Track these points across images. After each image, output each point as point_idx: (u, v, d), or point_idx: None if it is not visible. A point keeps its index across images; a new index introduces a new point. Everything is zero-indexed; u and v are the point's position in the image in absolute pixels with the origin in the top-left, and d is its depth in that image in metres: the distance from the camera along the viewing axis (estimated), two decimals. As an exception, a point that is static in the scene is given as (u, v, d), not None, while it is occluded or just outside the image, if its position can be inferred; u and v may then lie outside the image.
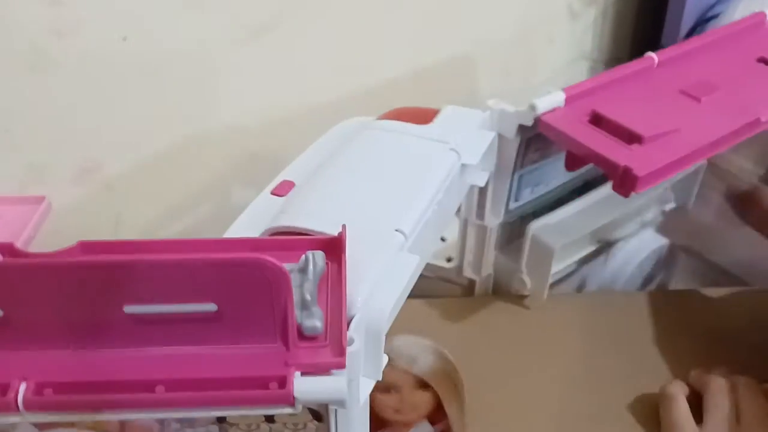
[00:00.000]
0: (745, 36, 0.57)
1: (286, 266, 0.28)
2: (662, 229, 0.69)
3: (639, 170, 0.41)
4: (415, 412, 0.48)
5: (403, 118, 0.46)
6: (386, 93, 0.70)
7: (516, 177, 0.52)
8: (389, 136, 0.45)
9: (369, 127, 0.46)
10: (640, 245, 0.67)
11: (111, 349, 0.28)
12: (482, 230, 0.54)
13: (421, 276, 0.45)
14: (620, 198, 0.54)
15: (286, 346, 0.29)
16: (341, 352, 0.29)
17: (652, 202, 0.62)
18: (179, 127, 0.60)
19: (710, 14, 0.90)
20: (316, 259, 0.33)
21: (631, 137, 0.44)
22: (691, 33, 0.89)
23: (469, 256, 0.56)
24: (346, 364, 0.29)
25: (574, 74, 0.97)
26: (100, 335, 0.28)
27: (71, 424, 0.31)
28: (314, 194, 0.40)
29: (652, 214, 0.63)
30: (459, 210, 0.54)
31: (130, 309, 0.27)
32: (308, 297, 0.30)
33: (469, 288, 0.58)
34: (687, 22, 0.86)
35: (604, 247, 0.62)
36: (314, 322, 0.29)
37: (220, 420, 0.32)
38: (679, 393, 0.48)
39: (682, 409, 0.47)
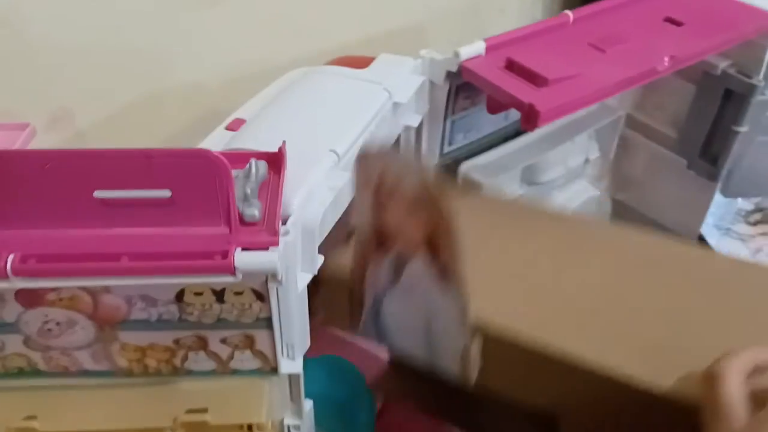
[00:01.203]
0: (657, -2, 0.64)
1: (233, 171, 0.35)
2: (592, 179, 0.76)
3: (541, 107, 0.48)
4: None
5: (343, 63, 0.52)
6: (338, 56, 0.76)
7: (448, 122, 0.59)
8: (330, 78, 0.51)
9: (312, 72, 0.52)
10: (573, 195, 0.74)
11: (84, 229, 0.34)
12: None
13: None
14: (545, 142, 0.61)
15: (229, 228, 0.35)
16: (275, 234, 0.35)
17: (576, 148, 0.69)
18: (143, 83, 0.66)
19: None
20: (259, 166, 0.39)
21: (538, 80, 0.50)
22: None
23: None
24: (281, 248, 0.35)
25: (530, 15, 1.04)
26: (75, 216, 0.34)
27: (52, 303, 0.37)
28: (262, 125, 0.47)
29: (576, 161, 0.70)
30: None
31: (99, 194, 0.33)
32: (249, 191, 0.36)
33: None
34: None
35: (538, 193, 0.68)
36: (253, 210, 0.36)
37: (179, 299, 0.38)
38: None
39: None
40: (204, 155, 0.33)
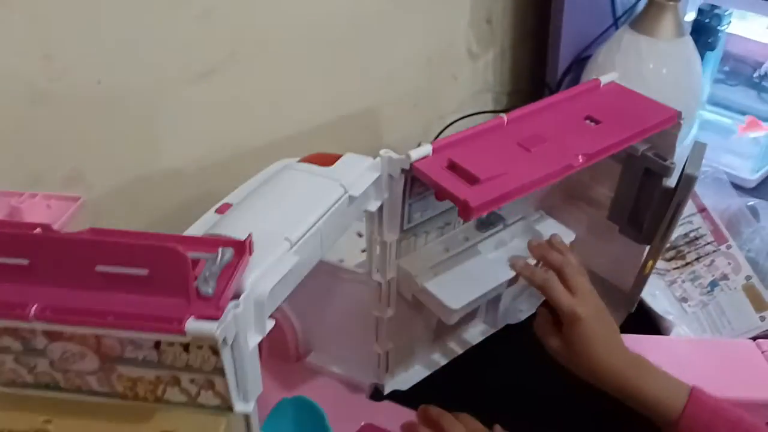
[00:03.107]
0: (580, 98, 0.76)
1: (206, 255, 0.48)
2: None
3: (473, 202, 0.60)
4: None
5: (314, 161, 0.66)
6: (310, 138, 0.89)
7: (407, 205, 0.71)
8: (298, 174, 0.65)
9: (287, 167, 0.66)
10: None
11: (87, 291, 0.48)
12: (384, 244, 0.73)
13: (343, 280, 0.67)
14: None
15: (188, 301, 0.48)
16: (219, 309, 0.48)
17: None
18: (139, 159, 0.81)
19: (585, 54, 1.11)
20: (225, 252, 0.52)
21: (471, 179, 0.63)
22: (569, 69, 1.10)
23: (376, 264, 0.75)
24: (223, 320, 0.48)
25: (479, 103, 1.17)
26: (82, 281, 0.48)
27: (69, 338, 0.51)
28: (239, 213, 0.60)
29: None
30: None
31: (100, 268, 0.47)
32: (208, 274, 0.50)
33: (378, 290, 0.76)
34: (565, 59, 1.07)
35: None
36: (207, 289, 0.49)
37: (156, 347, 0.51)
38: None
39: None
40: (171, 249, 0.46)
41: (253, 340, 0.53)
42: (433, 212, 0.75)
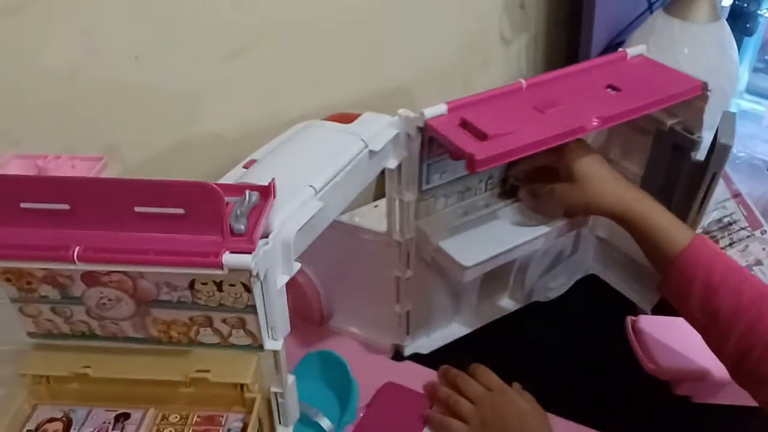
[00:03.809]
0: (604, 67, 0.78)
1: (234, 198, 0.51)
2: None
3: (478, 155, 0.62)
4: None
5: (335, 119, 0.69)
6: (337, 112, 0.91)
7: (425, 165, 0.74)
8: (321, 131, 0.67)
9: (309, 125, 0.69)
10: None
11: (126, 232, 0.51)
12: (403, 204, 0.75)
13: (365, 241, 0.71)
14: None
15: (222, 237, 0.51)
16: (252, 243, 0.51)
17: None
18: (174, 131, 0.83)
19: (618, 40, 1.12)
20: (252, 195, 0.55)
21: (480, 135, 0.65)
22: (607, 48, 1.11)
23: (395, 224, 0.77)
24: (256, 254, 0.51)
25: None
26: (121, 223, 0.51)
27: (106, 284, 0.54)
28: (265, 165, 0.63)
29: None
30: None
31: (138, 209, 0.50)
32: (239, 212, 0.52)
33: (399, 249, 0.79)
34: (597, 45, 1.09)
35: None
36: (240, 226, 0.51)
37: (191, 287, 0.54)
38: None
39: None
40: (208, 187, 0.49)
41: (281, 279, 0.56)
42: (451, 175, 0.77)
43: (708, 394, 0.82)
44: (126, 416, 0.58)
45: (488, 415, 0.71)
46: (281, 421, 0.62)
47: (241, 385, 0.58)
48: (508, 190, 0.83)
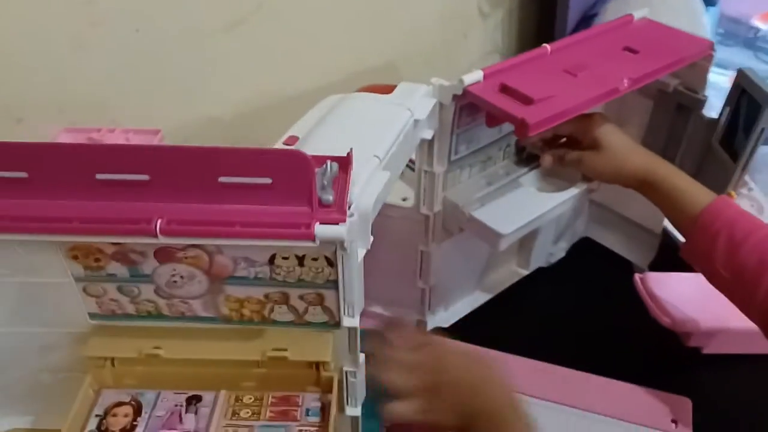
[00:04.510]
0: (616, 31, 0.80)
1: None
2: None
3: (530, 120, 0.63)
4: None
5: (370, 91, 0.67)
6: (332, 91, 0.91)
7: (454, 136, 0.74)
8: (364, 102, 0.66)
9: (348, 97, 0.67)
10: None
11: (210, 204, 0.48)
12: (432, 176, 0.75)
13: (388, 217, 0.67)
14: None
15: (311, 209, 0.49)
16: (344, 213, 0.49)
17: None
18: (167, 116, 0.80)
19: (591, 13, 1.16)
20: (332, 166, 0.53)
21: (525, 100, 0.65)
22: (576, 28, 1.15)
23: (423, 197, 0.77)
24: (347, 224, 0.49)
25: (488, 63, 1.20)
26: (204, 195, 0.48)
27: (180, 260, 0.51)
28: (317, 139, 0.61)
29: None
30: (415, 163, 0.75)
31: (223, 179, 0.48)
32: (326, 183, 0.50)
33: (425, 222, 0.78)
34: (572, 19, 1.12)
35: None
36: (328, 196, 0.50)
37: (271, 262, 0.52)
38: None
39: None
40: (297, 154, 0.47)
41: (361, 252, 0.54)
42: (476, 145, 0.77)
43: (718, 345, 0.86)
44: (197, 398, 0.56)
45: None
46: (349, 401, 0.61)
47: (317, 365, 0.56)
48: (524, 159, 0.84)
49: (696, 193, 0.70)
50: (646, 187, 0.73)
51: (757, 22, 1.30)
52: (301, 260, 0.52)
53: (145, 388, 0.56)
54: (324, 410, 0.55)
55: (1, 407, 0.62)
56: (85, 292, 0.54)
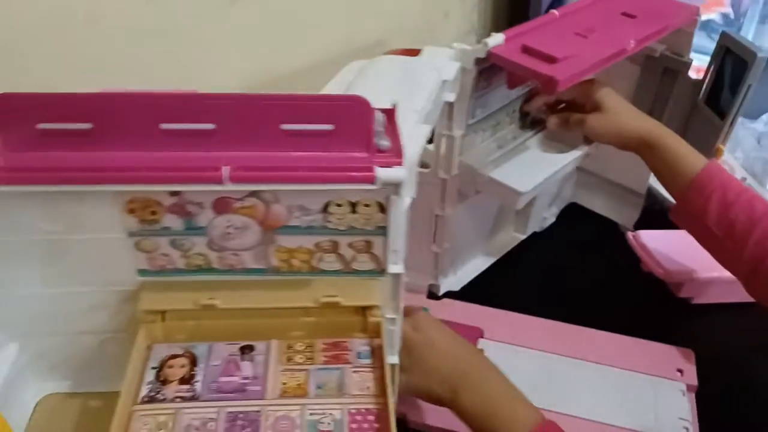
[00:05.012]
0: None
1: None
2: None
3: (559, 76, 0.66)
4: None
5: (398, 53, 0.69)
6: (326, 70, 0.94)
7: (471, 100, 0.76)
8: (395, 63, 0.68)
9: (378, 60, 0.69)
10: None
11: (273, 152, 0.49)
12: (450, 139, 0.77)
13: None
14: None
15: (370, 154, 0.51)
16: (400, 157, 0.51)
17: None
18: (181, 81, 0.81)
19: None
20: (380, 116, 0.55)
21: (549, 59, 0.68)
22: (550, 8, 1.20)
23: (441, 161, 0.79)
24: (403, 167, 0.51)
25: (467, 43, 1.24)
26: (267, 142, 0.49)
27: (236, 210, 0.52)
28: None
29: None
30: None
31: (285, 126, 0.49)
32: (381, 129, 0.52)
33: (443, 186, 0.81)
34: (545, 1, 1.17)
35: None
36: (385, 142, 0.51)
37: (324, 210, 0.53)
38: None
39: None
40: (359, 99, 0.49)
41: (407, 200, 0.56)
42: (489, 110, 0.80)
43: (708, 295, 0.91)
44: (250, 348, 0.56)
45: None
46: (389, 349, 0.62)
47: (364, 311, 0.58)
48: (528, 123, 0.87)
49: (692, 156, 0.75)
50: (645, 148, 0.77)
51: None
52: (353, 207, 0.53)
53: (195, 341, 0.57)
54: (374, 353, 0.57)
55: (39, 371, 0.61)
56: (136, 247, 0.54)
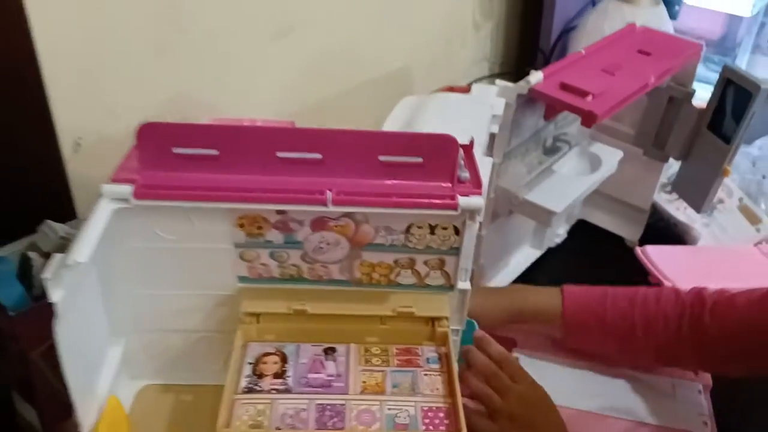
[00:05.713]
0: (627, 37, 0.93)
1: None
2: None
3: (597, 111, 0.74)
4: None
5: (454, 90, 0.78)
6: (359, 92, 1.02)
7: (509, 131, 0.84)
8: (450, 100, 0.76)
9: (434, 97, 0.77)
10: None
11: (369, 180, 0.57)
12: (493, 166, 0.84)
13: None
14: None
15: (453, 184, 0.59)
16: (479, 187, 0.59)
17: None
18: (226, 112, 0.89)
19: (570, 26, 1.32)
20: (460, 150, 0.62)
21: (584, 94, 0.77)
22: (558, 40, 1.30)
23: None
24: (481, 196, 0.59)
25: (478, 71, 1.35)
26: (367, 171, 0.57)
27: (330, 228, 0.59)
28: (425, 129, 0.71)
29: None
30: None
31: (382, 158, 0.57)
32: (462, 162, 0.60)
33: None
34: (555, 31, 1.28)
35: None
36: (466, 174, 0.59)
37: (407, 231, 0.61)
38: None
39: None
40: (447, 137, 0.57)
41: (477, 225, 0.63)
42: (521, 139, 0.88)
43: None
44: (332, 349, 0.64)
45: (516, 410, 0.71)
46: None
47: (433, 321, 0.66)
48: (549, 149, 0.96)
49: (548, 300, 0.83)
50: (511, 319, 0.84)
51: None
52: (432, 229, 0.61)
53: (284, 341, 0.64)
54: (441, 359, 0.65)
55: (134, 368, 0.67)
56: (240, 257, 0.61)
